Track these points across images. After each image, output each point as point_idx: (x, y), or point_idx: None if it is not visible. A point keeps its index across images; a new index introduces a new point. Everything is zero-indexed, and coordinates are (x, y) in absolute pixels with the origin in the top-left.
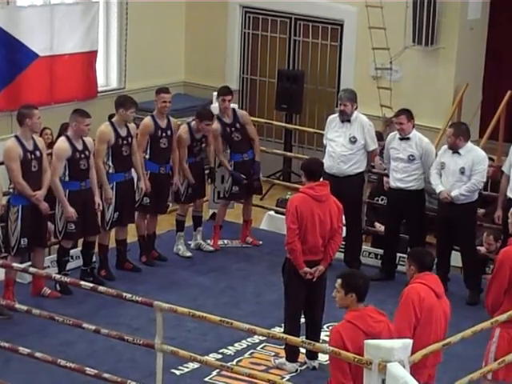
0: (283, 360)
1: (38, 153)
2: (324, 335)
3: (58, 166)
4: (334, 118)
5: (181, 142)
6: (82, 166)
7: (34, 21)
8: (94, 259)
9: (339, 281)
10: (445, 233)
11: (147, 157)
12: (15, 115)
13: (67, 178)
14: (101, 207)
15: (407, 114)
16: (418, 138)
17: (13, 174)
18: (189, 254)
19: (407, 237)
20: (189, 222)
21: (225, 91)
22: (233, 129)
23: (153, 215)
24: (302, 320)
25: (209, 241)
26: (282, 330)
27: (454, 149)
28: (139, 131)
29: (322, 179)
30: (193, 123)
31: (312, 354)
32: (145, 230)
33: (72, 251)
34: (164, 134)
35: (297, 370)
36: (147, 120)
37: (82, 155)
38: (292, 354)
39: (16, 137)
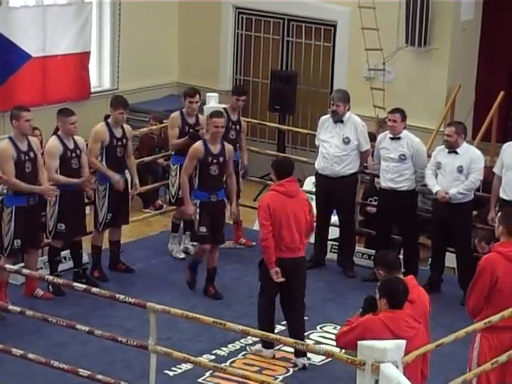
0: (259, 347)
1: (31, 154)
2: (317, 335)
3: (52, 163)
4: (326, 118)
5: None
6: (74, 165)
7: (26, 22)
8: (87, 260)
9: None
10: (440, 234)
11: (195, 186)
12: (8, 116)
13: None
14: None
15: (402, 113)
16: (409, 137)
17: (5, 176)
18: (182, 255)
19: (400, 238)
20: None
21: (241, 91)
22: (233, 126)
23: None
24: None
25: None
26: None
27: (455, 147)
28: (188, 154)
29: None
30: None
31: (298, 352)
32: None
33: (64, 252)
34: (215, 161)
35: (273, 356)
36: (198, 145)
37: (73, 154)
38: (268, 341)
39: (10, 138)
